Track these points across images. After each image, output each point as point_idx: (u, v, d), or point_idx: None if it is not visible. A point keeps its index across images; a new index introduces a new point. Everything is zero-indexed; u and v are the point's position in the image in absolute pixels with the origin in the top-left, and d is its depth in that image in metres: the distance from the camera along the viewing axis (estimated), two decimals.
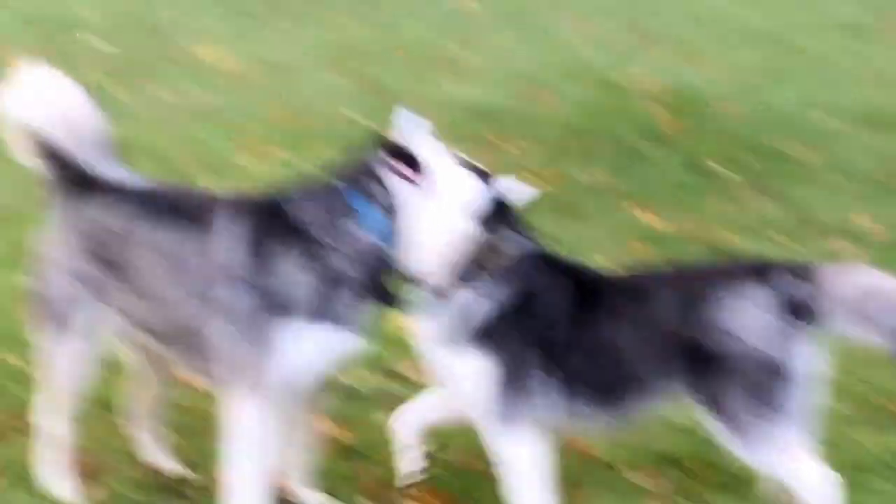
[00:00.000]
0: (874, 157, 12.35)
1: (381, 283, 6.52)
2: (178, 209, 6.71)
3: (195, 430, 7.57)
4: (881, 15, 18.21)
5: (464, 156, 6.55)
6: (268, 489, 6.53)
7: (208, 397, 7.81)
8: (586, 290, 6.54)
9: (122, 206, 6.77)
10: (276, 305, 6.39)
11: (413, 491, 6.98)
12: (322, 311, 6.40)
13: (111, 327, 6.90)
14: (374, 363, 8.29)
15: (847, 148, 12.58)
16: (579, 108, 13.69)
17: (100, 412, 7.45)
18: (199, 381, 7.89)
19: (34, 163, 6.91)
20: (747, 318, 6.29)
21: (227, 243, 6.48)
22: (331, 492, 7.02)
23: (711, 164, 12.14)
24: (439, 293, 6.44)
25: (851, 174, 11.88)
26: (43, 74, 6.99)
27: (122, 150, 7.11)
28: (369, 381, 8.11)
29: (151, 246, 6.64)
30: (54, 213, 6.90)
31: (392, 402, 7.95)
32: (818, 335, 6.30)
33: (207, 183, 10.14)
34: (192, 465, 7.28)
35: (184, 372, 7.07)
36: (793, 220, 10.83)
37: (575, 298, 6.48)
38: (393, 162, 6.37)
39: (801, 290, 6.30)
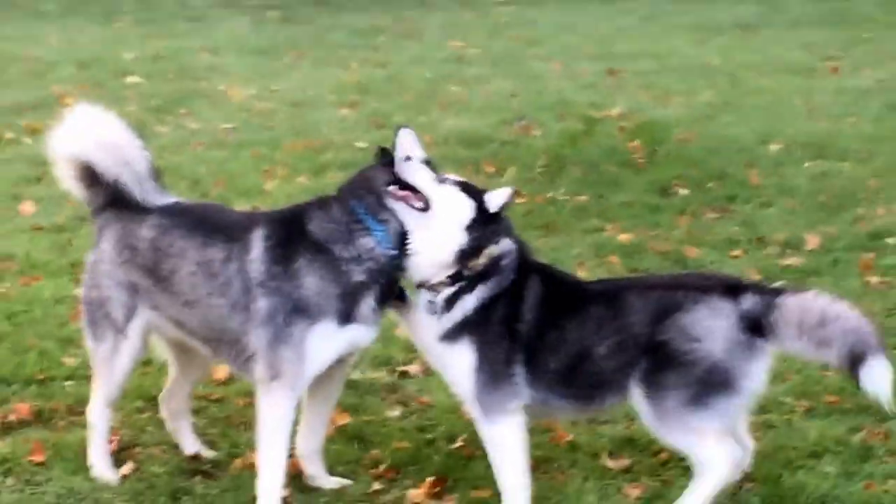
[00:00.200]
0: (816, 180, 12.32)
1: (392, 287, 6.56)
2: (217, 228, 6.73)
3: (216, 418, 7.57)
4: (822, 58, 18.18)
5: (456, 176, 6.56)
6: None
7: (228, 389, 7.85)
8: (566, 293, 6.55)
9: (168, 225, 6.78)
10: (305, 312, 6.42)
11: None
12: (346, 314, 6.43)
13: (157, 330, 6.93)
14: (383, 361, 8.28)
15: (793, 173, 12.55)
16: (560, 139, 13.67)
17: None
18: (223, 375, 7.94)
19: (79, 190, 6.93)
20: (714, 328, 6.28)
21: (259, 258, 6.52)
22: (343, 474, 6.98)
23: (675, 187, 12.11)
24: (435, 294, 6.46)
25: (797, 196, 11.85)
26: (91, 112, 6.97)
27: (163, 176, 7.10)
28: (379, 377, 8.07)
29: (194, 261, 6.67)
30: (105, 232, 6.90)
31: (398, 395, 7.95)
32: (771, 351, 6.29)
33: (239, 206, 10.10)
34: (211, 446, 7.26)
35: (228, 369, 7.11)
36: (747, 236, 10.79)
37: (553, 300, 6.48)
38: (394, 190, 6.40)
39: (762, 310, 6.28)
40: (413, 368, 8.16)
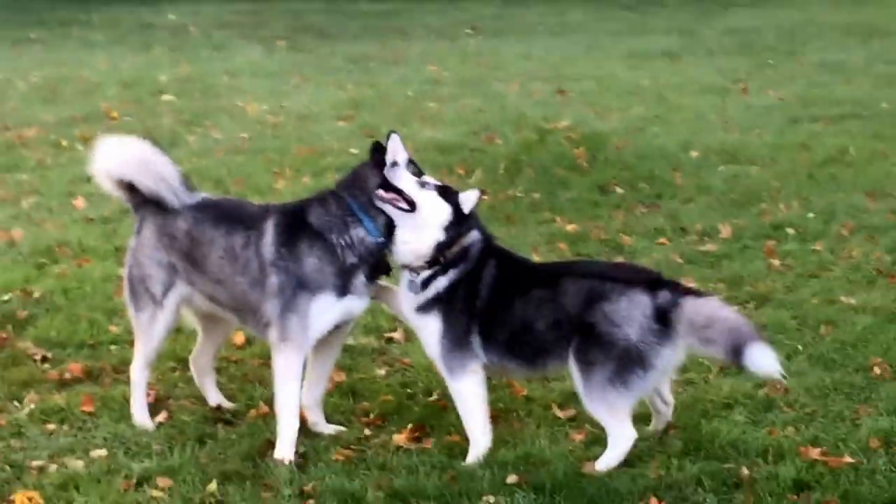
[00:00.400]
0: (728, 181, 12.32)
1: (380, 265, 6.65)
2: (238, 219, 6.82)
3: (235, 376, 7.57)
4: (734, 80, 18.19)
5: (433, 179, 6.59)
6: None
7: (244, 353, 7.83)
8: (518, 276, 6.60)
9: (200, 218, 6.87)
10: (308, 286, 6.55)
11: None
12: (342, 288, 6.56)
13: (190, 303, 7.00)
14: (372, 329, 8.28)
15: (709, 175, 12.55)
16: (518, 147, 13.65)
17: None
18: (241, 340, 7.92)
19: (120, 195, 7.02)
20: (631, 317, 6.31)
21: (270, 242, 6.65)
22: (338, 422, 6.98)
23: (612, 186, 12.10)
24: (416, 275, 6.55)
25: (713, 193, 11.85)
26: (127, 142, 7.08)
27: (191, 178, 7.15)
28: (368, 342, 8.06)
29: (222, 247, 6.77)
30: (146, 222, 6.96)
31: (384, 357, 7.96)
32: (676, 342, 6.33)
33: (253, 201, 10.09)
34: (231, 399, 7.25)
35: (245, 335, 7.15)
36: (672, 226, 10.79)
37: (506, 282, 6.54)
38: (382, 193, 6.47)
39: (669, 306, 6.32)
40: (397, 335, 8.17)
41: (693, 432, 6.76)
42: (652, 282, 6.46)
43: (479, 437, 6.51)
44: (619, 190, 12.03)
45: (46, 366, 7.74)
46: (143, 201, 6.96)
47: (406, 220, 6.49)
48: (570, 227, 10.71)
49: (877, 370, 7.64)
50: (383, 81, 18.22)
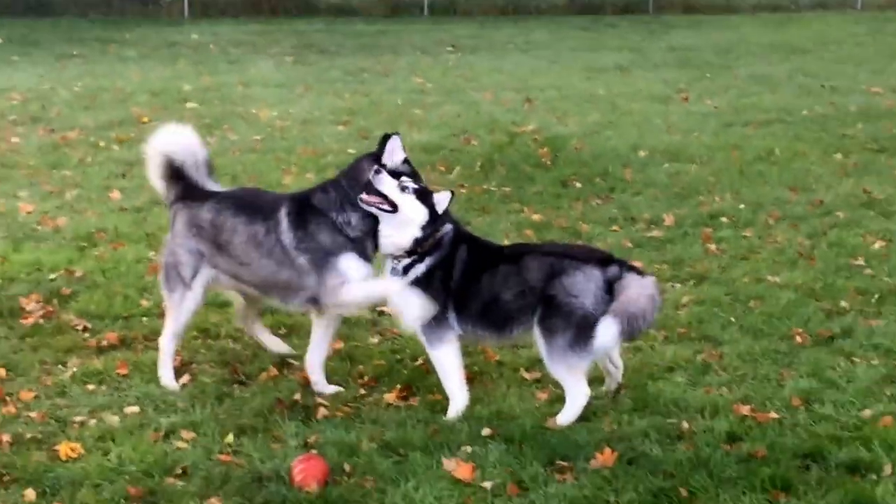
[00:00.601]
0: (671, 177, 12.32)
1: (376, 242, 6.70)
2: (256, 209, 6.85)
3: (249, 344, 7.52)
4: (676, 90, 18.19)
5: (412, 183, 6.57)
6: None
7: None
8: (485, 256, 6.61)
9: (220, 209, 6.90)
10: (331, 252, 6.62)
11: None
12: (361, 253, 6.66)
13: (216, 283, 7.03)
14: None
15: (655, 171, 12.55)
16: (491, 147, 13.64)
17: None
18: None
19: (161, 186, 7.04)
20: (587, 289, 6.31)
21: (286, 229, 6.71)
22: (337, 383, 6.97)
23: (572, 181, 12.10)
24: (398, 262, 6.58)
25: (658, 187, 11.87)
26: (177, 126, 7.12)
27: (215, 171, 7.24)
28: (363, 314, 8.04)
29: (244, 234, 6.80)
30: (178, 217, 6.98)
31: (377, 327, 7.93)
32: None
33: None
34: (247, 364, 7.23)
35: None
36: (623, 216, 10.79)
37: (475, 262, 6.55)
38: (366, 197, 6.51)
39: (615, 278, 6.34)
40: (388, 309, 8.13)
41: (641, 392, 6.77)
42: (603, 259, 6.47)
43: (457, 396, 6.52)
44: (577, 184, 12.01)
45: (87, 335, 7.72)
46: (176, 197, 7.00)
47: (388, 219, 6.53)
48: (535, 217, 10.71)
49: (798, 339, 7.66)
50: (376, 91, 18.18)
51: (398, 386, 6.85)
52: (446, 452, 5.99)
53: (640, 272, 6.51)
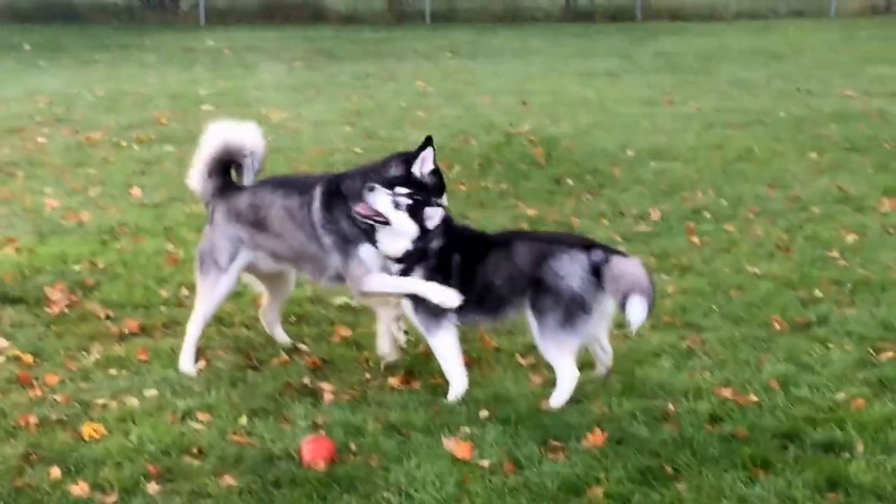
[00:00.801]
0: (657, 174, 12.31)
1: None
2: (293, 186, 6.87)
3: (262, 332, 7.49)
4: (662, 94, 18.17)
5: (406, 198, 6.48)
6: None
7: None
8: (478, 247, 6.58)
9: (259, 189, 6.93)
10: (351, 241, 6.61)
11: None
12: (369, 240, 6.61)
13: (254, 266, 7.01)
14: None
15: (642, 169, 12.54)
16: (489, 147, 13.63)
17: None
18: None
19: (200, 183, 7.03)
20: (573, 271, 6.30)
21: (318, 208, 6.70)
22: (344, 369, 6.95)
23: (564, 178, 12.08)
24: (391, 264, 6.59)
25: (645, 184, 11.83)
26: (237, 123, 7.10)
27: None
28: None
29: (280, 206, 6.80)
30: (216, 209, 6.97)
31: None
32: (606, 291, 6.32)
33: None
34: (258, 351, 7.22)
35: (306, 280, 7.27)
36: (612, 211, 10.78)
37: (469, 258, 6.51)
38: (361, 210, 6.46)
39: (601, 262, 6.32)
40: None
41: (629, 376, 6.75)
42: (588, 245, 6.47)
43: (457, 380, 6.50)
44: (569, 182, 12.00)
45: (109, 323, 7.70)
46: (213, 192, 6.98)
47: (384, 231, 6.50)
48: (530, 212, 10.69)
49: (776, 325, 7.65)
50: (381, 94, 18.16)
51: (402, 370, 6.84)
52: (446, 433, 5.97)
53: (623, 254, 6.52)
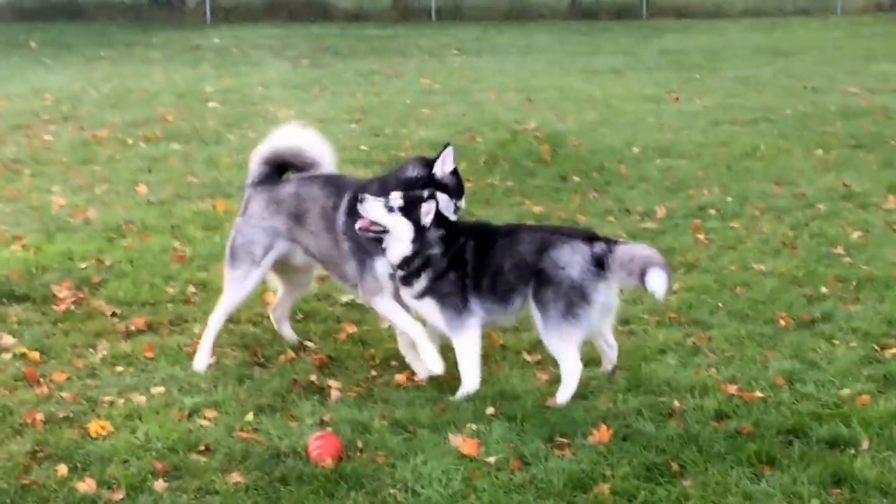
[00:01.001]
0: (663, 172, 12.31)
1: None
2: (335, 185, 6.84)
3: (270, 329, 7.50)
4: (668, 91, 18.18)
5: (398, 200, 6.45)
6: None
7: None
8: (487, 240, 6.57)
9: (304, 182, 6.92)
10: (369, 252, 6.61)
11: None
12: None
13: (289, 259, 7.00)
14: None
15: (648, 167, 12.54)
16: (495, 144, 13.64)
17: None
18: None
19: (256, 166, 7.06)
20: (573, 261, 6.33)
21: (342, 214, 6.70)
22: (350, 366, 6.96)
23: (571, 175, 12.08)
24: (396, 271, 6.59)
25: (651, 181, 11.84)
26: (298, 126, 7.23)
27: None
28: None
29: (319, 204, 6.79)
30: (253, 200, 6.99)
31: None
32: (611, 281, 6.36)
33: None
34: (265, 348, 7.22)
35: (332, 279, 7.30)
36: (618, 208, 10.78)
37: (481, 248, 6.52)
38: (359, 224, 6.47)
39: (605, 253, 6.35)
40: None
41: (635, 372, 6.75)
42: (590, 236, 6.50)
43: (471, 380, 6.49)
44: (575, 179, 12.00)
45: (115, 320, 7.70)
46: (257, 181, 7.00)
47: (386, 238, 6.51)
48: (536, 209, 10.69)
49: (782, 322, 7.65)
50: (386, 91, 18.18)
51: (408, 368, 6.84)
52: (453, 430, 5.98)
53: (626, 243, 6.58)
